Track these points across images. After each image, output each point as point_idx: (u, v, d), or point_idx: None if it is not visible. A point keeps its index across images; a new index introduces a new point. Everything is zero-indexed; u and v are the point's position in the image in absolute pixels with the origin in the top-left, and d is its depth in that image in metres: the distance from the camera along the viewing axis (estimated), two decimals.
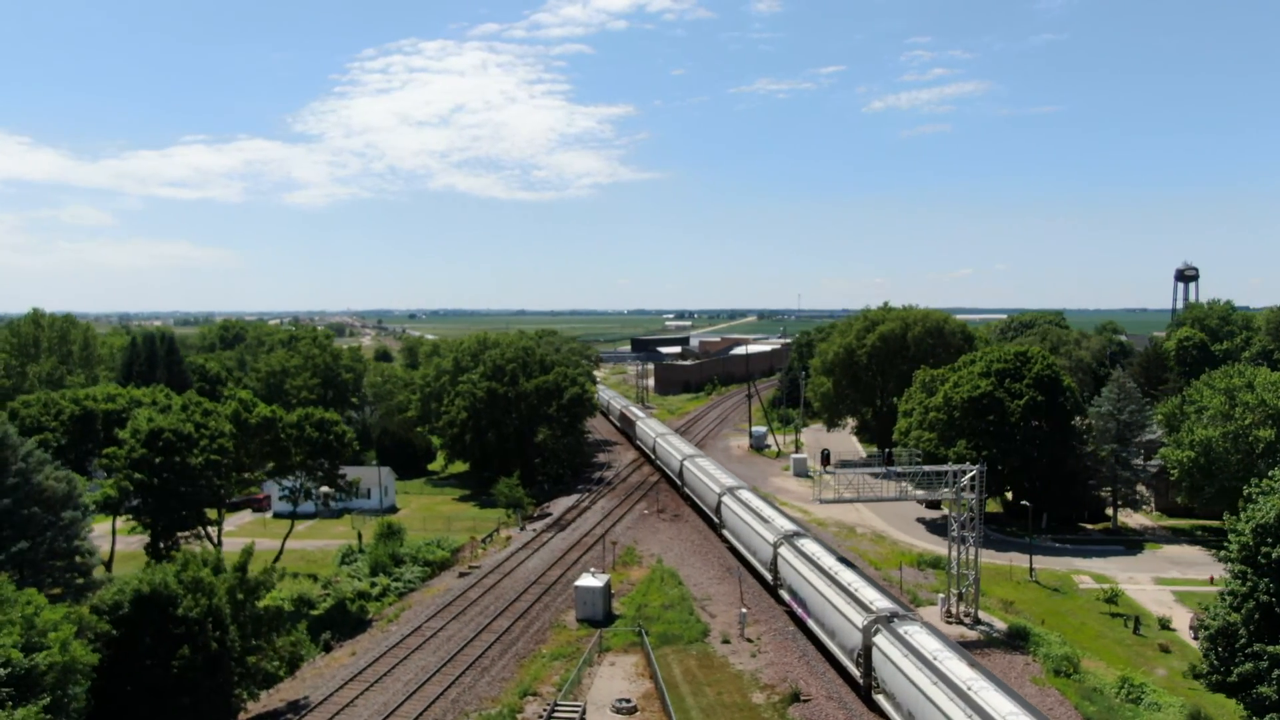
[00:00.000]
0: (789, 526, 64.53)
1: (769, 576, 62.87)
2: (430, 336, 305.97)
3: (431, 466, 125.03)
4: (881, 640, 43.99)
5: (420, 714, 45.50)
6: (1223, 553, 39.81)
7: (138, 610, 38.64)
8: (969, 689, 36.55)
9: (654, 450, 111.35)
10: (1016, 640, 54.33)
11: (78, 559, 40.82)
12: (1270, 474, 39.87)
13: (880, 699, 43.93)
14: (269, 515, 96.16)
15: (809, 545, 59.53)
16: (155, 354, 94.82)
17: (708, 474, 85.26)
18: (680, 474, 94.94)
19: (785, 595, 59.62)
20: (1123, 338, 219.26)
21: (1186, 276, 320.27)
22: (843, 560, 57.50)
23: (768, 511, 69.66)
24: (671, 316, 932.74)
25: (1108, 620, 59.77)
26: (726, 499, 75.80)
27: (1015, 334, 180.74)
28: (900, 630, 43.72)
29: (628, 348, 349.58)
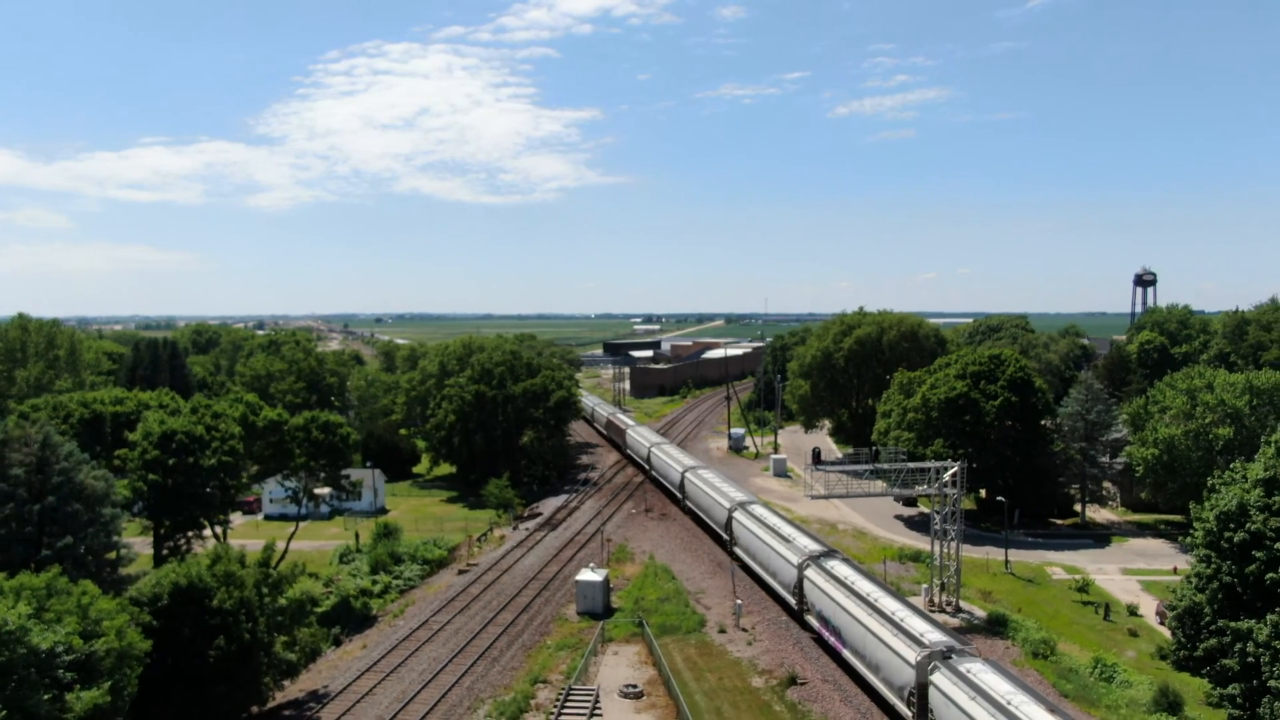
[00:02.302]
0: (814, 546, 60.07)
1: (791, 600, 58.89)
2: (401, 341, 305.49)
3: (416, 469, 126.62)
4: (940, 680, 40.26)
5: (437, 701, 47.72)
6: (1188, 539, 43.14)
7: (176, 602, 40.65)
8: None
9: (649, 460, 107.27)
10: (996, 627, 57.60)
11: (115, 554, 42.63)
12: (1232, 466, 43.34)
13: None
14: (260, 517, 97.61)
15: (840, 568, 55.12)
16: (159, 359, 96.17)
17: (714, 487, 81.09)
18: (681, 487, 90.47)
19: (814, 622, 55.55)
20: (1085, 341, 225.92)
21: (1145, 281, 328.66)
22: (879, 584, 53.38)
23: (787, 530, 65.03)
24: (639, 320, 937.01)
25: (1079, 608, 63.29)
26: (738, 515, 71.61)
27: (983, 337, 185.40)
28: (961, 669, 39.90)
29: (598, 351, 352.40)
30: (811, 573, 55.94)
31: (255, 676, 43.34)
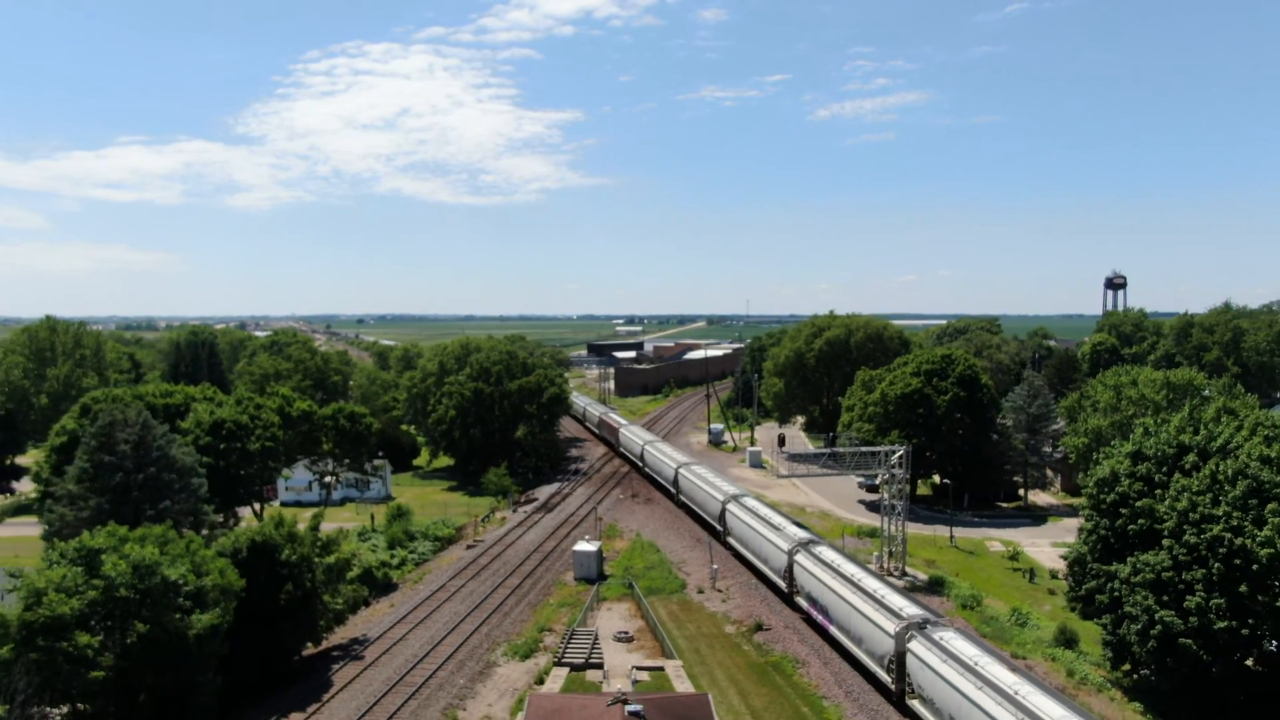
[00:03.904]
0: (802, 534, 65.17)
1: (782, 584, 63.48)
2: (387, 341, 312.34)
3: (416, 462, 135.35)
4: (917, 646, 44.14)
5: (461, 644, 56.73)
6: (1078, 502, 52.78)
7: (252, 555, 49.37)
8: (1015, 693, 37.07)
9: (642, 457, 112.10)
10: (935, 586, 67.20)
11: (201, 515, 51.37)
12: (1113, 443, 53.02)
13: (916, 704, 44.43)
14: (277, 504, 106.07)
15: (827, 552, 59.97)
16: (199, 357, 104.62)
17: (707, 482, 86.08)
18: (675, 482, 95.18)
19: (803, 602, 60.05)
20: (1051, 342, 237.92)
21: (1115, 284, 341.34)
22: (861, 566, 58.18)
23: (777, 519, 70.20)
24: (621, 321, 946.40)
25: (1009, 573, 73.09)
26: (731, 506, 76.75)
27: (950, 339, 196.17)
28: (935, 636, 44.06)
29: (582, 352, 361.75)
30: (800, 558, 60.80)
31: (313, 619, 52.26)
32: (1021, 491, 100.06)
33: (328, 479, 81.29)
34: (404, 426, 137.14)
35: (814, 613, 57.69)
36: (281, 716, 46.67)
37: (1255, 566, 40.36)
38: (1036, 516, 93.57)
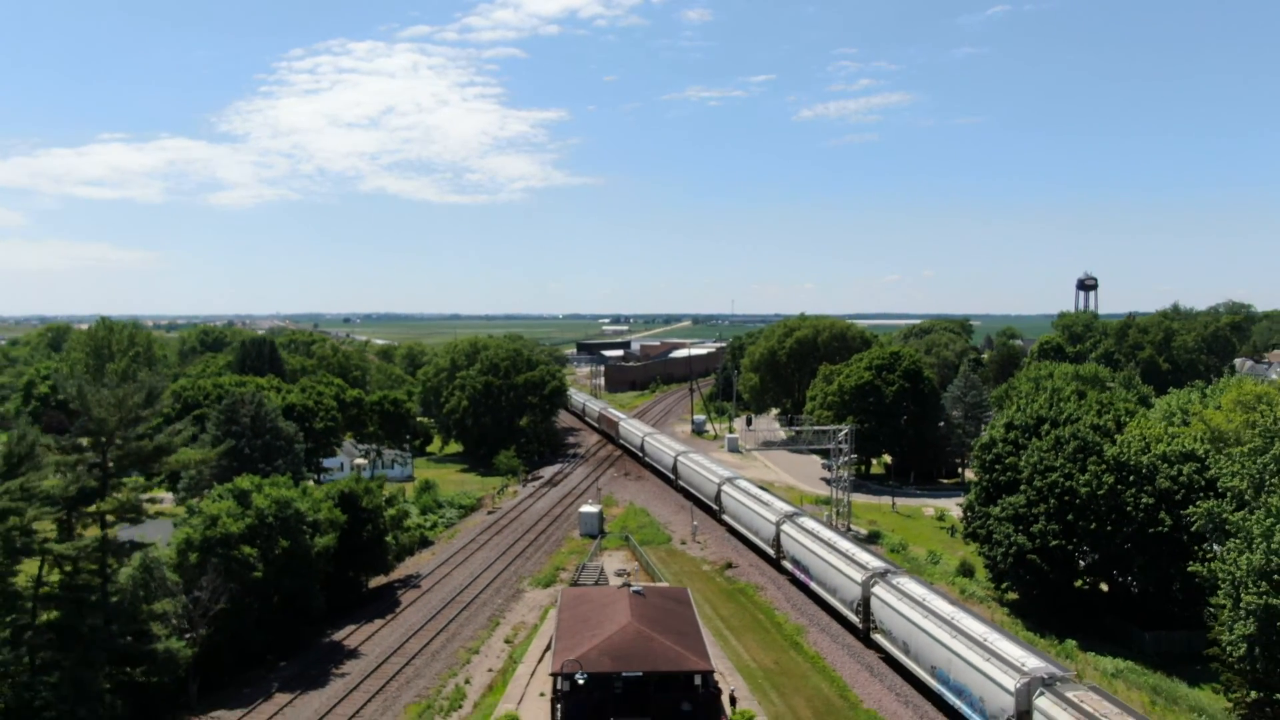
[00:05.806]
0: (787, 508, 75.02)
1: (771, 552, 72.99)
2: (379, 341, 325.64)
3: (429, 449, 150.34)
4: (879, 590, 52.88)
5: (494, 579, 72.29)
6: (974, 465, 68.74)
7: (342, 501, 64.65)
8: (952, 619, 45.58)
9: (642, 448, 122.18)
10: (872, 538, 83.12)
11: (300, 473, 66.52)
12: (994, 414, 68.96)
13: (878, 637, 53.15)
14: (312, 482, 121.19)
15: (808, 522, 69.65)
16: (262, 353, 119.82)
17: (704, 467, 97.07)
18: (674, 469, 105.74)
19: (788, 565, 69.13)
20: (1018, 341, 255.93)
21: (1087, 285, 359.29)
22: (838, 531, 68.94)
23: (766, 496, 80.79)
24: (608, 321, 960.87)
25: (935, 530, 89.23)
26: (726, 487, 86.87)
27: (917, 338, 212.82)
28: (894, 582, 52.90)
29: (572, 350, 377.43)
30: (786, 527, 70.87)
31: (385, 554, 67.76)
32: (960, 469, 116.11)
33: (368, 457, 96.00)
34: (421, 419, 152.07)
35: (797, 572, 67.57)
36: (368, 622, 62.16)
37: (1078, 501, 56.36)
38: (969, 489, 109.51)
